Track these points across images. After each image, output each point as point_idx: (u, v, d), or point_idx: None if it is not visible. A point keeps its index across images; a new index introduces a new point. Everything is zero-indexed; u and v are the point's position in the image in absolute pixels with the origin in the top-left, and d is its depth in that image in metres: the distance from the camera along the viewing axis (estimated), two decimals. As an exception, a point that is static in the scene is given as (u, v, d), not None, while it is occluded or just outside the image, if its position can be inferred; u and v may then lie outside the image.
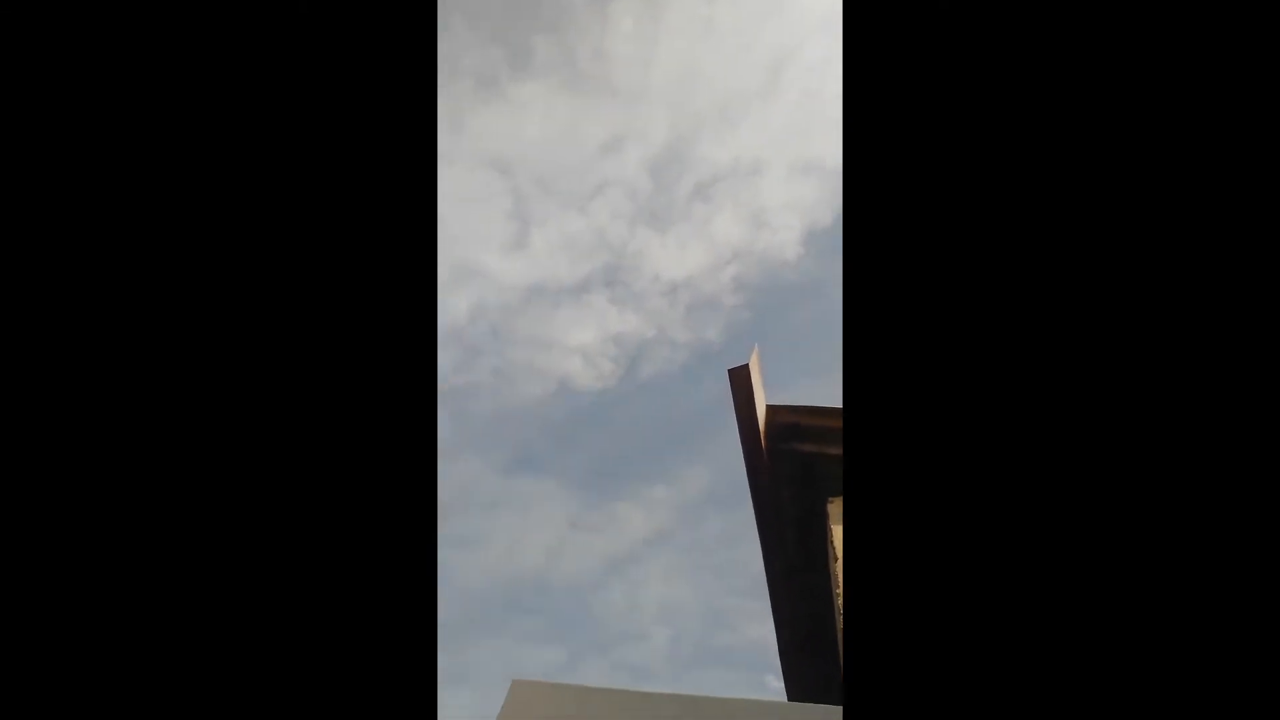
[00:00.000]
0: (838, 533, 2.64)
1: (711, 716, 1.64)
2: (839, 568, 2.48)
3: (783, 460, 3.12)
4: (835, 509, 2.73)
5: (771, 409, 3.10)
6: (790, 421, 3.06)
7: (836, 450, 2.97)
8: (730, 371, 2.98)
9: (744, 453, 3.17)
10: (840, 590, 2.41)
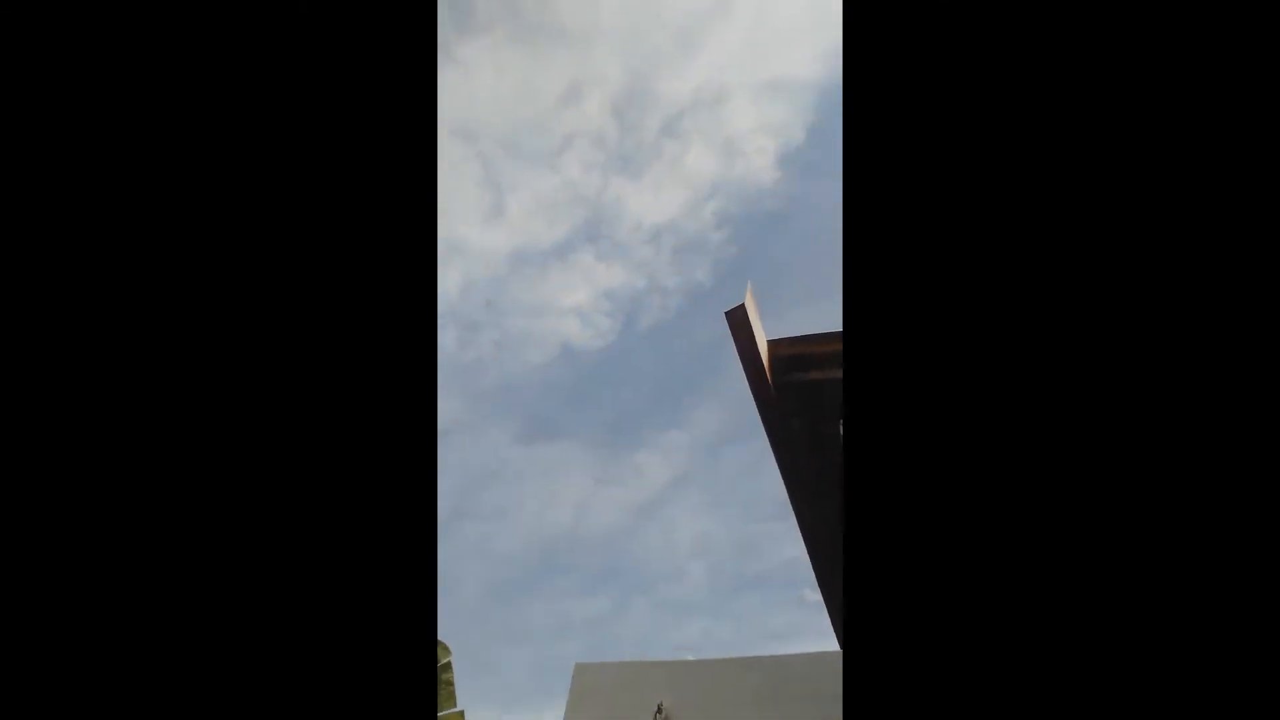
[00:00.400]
0: (857, 450, 2.70)
1: (767, 672, 1.89)
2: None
3: (790, 391, 3.17)
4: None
5: (773, 344, 3.13)
6: (793, 353, 3.10)
7: (840, 373, 3.02)
8: (728, 314, 2.99)
9: (752, 390, 3.21)
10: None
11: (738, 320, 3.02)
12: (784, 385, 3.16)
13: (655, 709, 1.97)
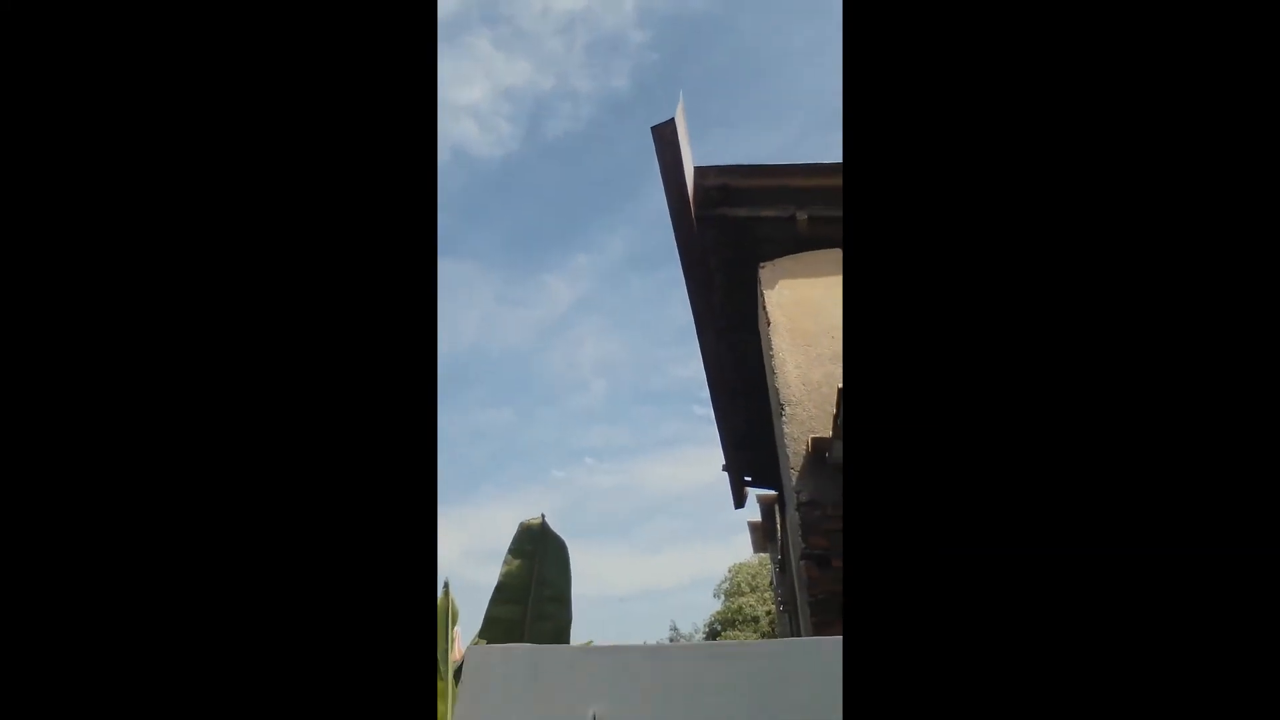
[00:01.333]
0: (769, 296, 2.62)
1: (692, 662, 1.47)
2: (771, 330, 2.53)
3: (712, 224, 2.95)
4: (766, 273, 2.68)
5: (700, 171, 2.81)
6: (720, 183, 2.81)
7: (768, 212, 2.81)
8: (654, 129, 2.59)
9: (672, 218, 2.96)
10: (773, 351, 2.49)
11: (665, 138, 2.64)
12: (706, 218, 2.92)
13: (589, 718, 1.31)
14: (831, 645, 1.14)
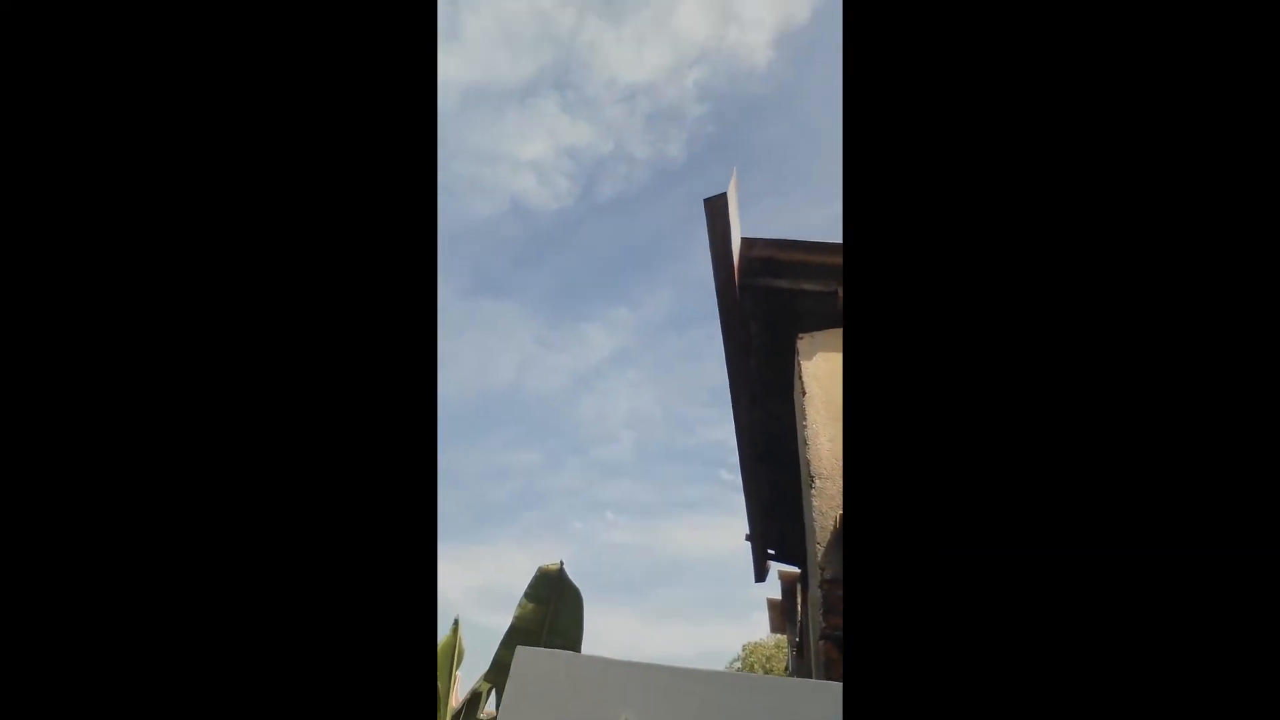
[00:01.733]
0: (806, 366, 2.68)
1: (752, 693, 1.57)
2: (805, 400, 2.57)
3: (755, 294, 3.06)
4: (804, 344, 2.74)
5: (746, 242, 2.95)
6: (765, 255, 2.94)
7: (810, 285, 2.91)
8: (707, 201, 2.76)
9: (716, 284, 3.08)
10: (806, 421, 2.52)
11: (716, 210, 2.80)
12: (749, 287, 3.04)
13: None
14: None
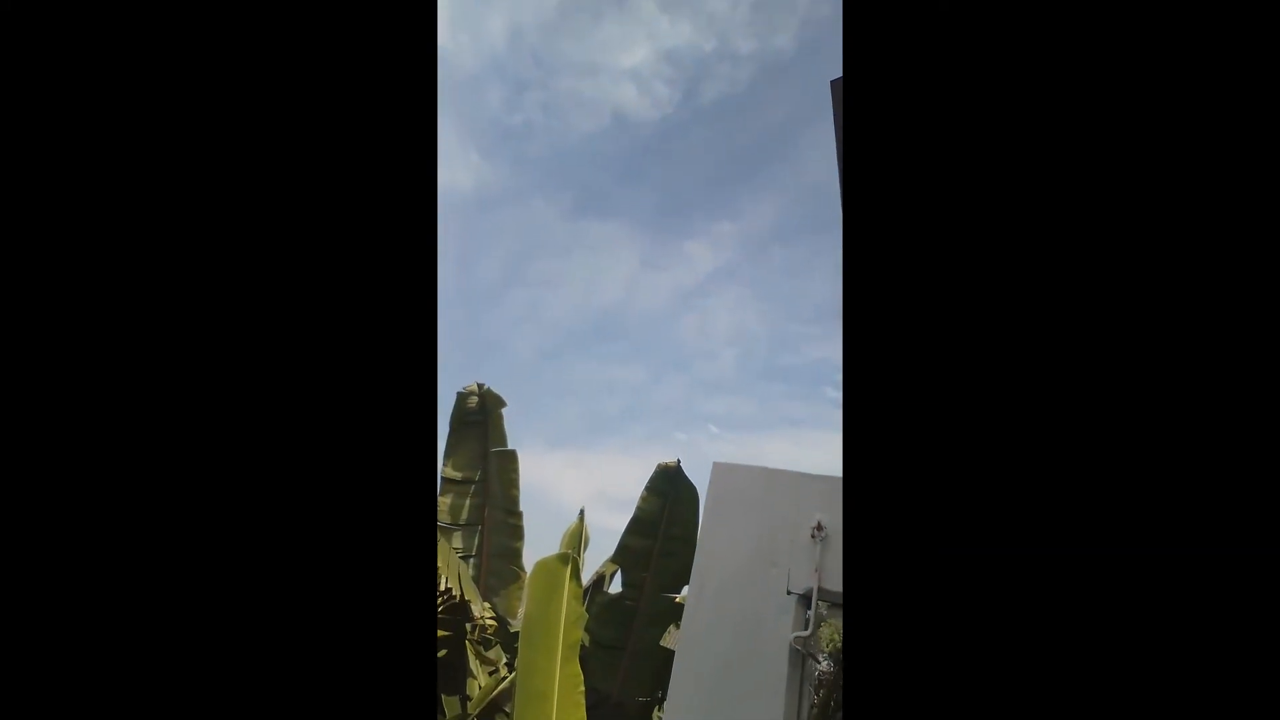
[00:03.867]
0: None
1: None
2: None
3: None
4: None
5: (877, 127, 2.72)
6: (899, 141, 2.70)
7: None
8: (834, 83, 2.54)
9: (841, 176, 2.90)
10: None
11: (841, 92, 2.58)
12: (877, 179, 2.83)
13: (815, 526, 1.77)
14: None
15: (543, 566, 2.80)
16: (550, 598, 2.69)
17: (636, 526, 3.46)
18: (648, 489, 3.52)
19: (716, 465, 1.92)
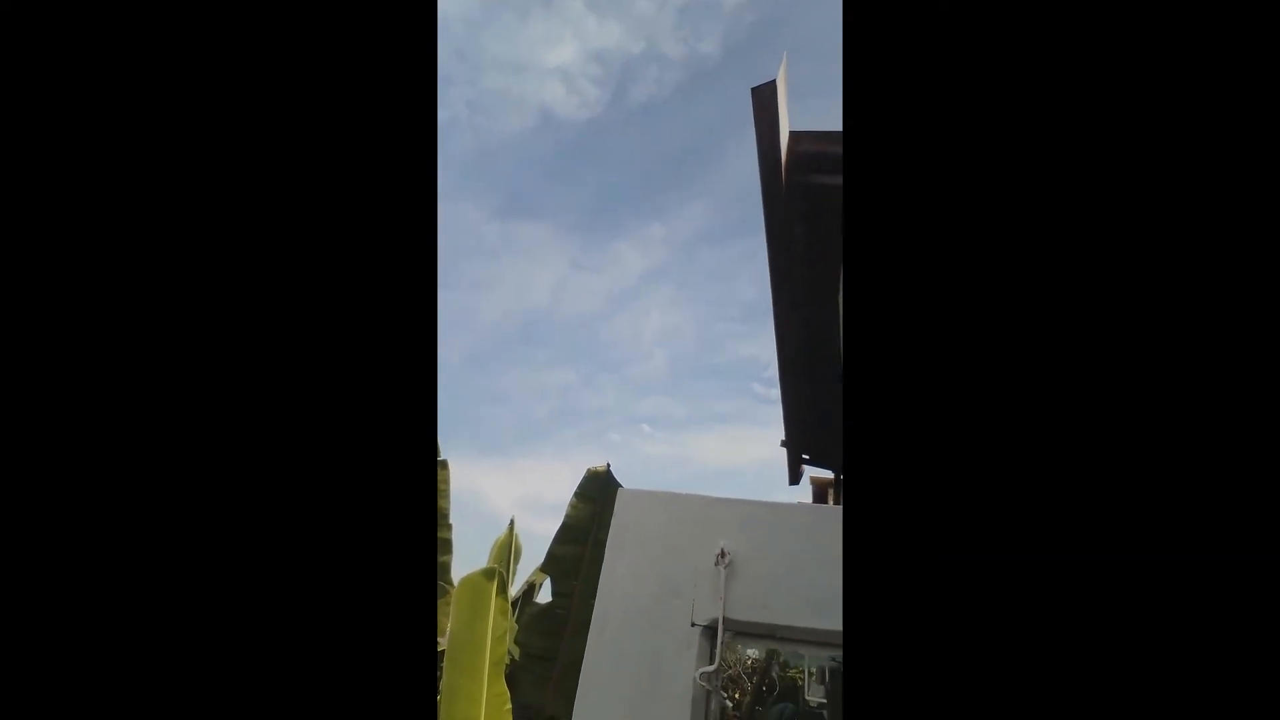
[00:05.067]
0: (854, 268, 2.60)
1: (809, 518, 1.63)
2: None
3: (801, 192, 2.93)
4: (854, 244, 2.64)
5: (795, 136, 2.78)
6: (815, 150, 2.78)
7: (862, 181, 2.76)
8: (754, 91, 2.58)
9: (763, 182, 2.95)
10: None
11: (764, 100, 2.62)
12: (796, 185, 2.90)
13: (718, 553, 1.66)
14: None
15: (468, 583, 2.69)
16: (476, 616, 2.59)
17: (566, 534, 3.40)
18: (576, 495, 3.47)
19: (622, 493, 1.84)
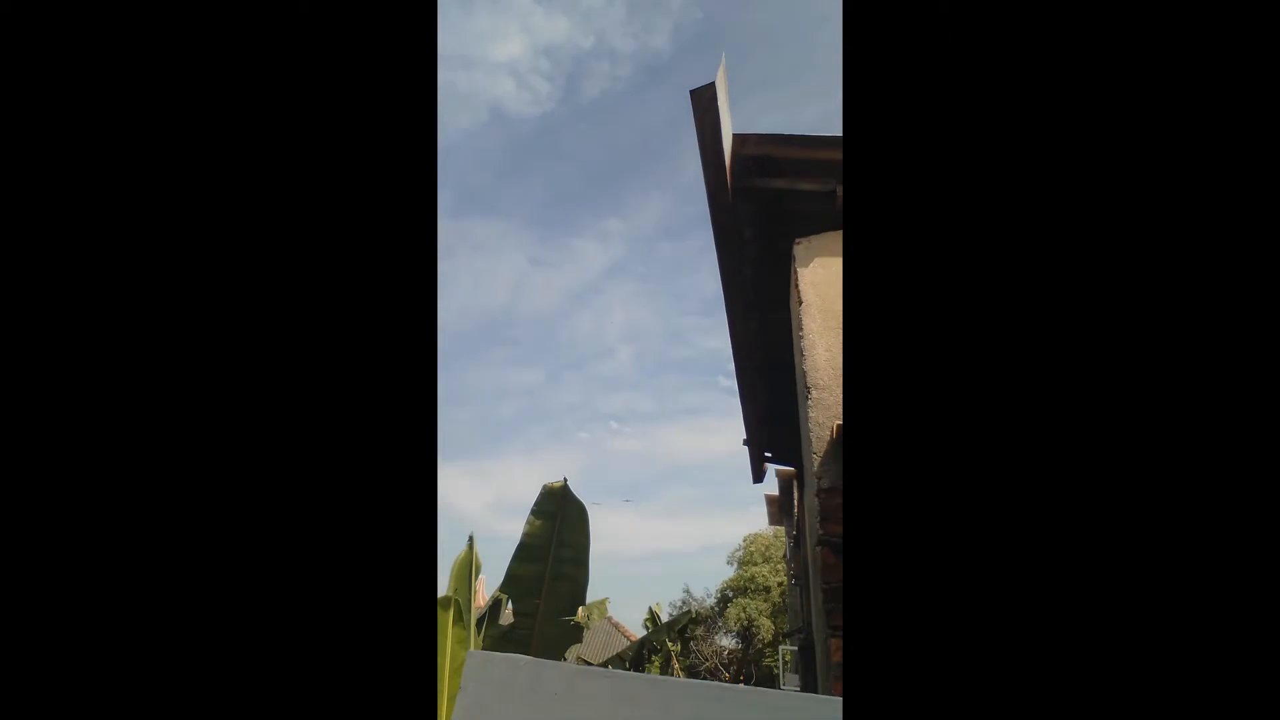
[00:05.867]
0: (803, 274, 2.56)
1: (675, 693, 1.39)
2: (802, 309, 2.48)
3: (748, 196, 2.88)
4: (801, 249, 2.61)
5: (739, 139, 2.72)
6: (759, 153, 2.72)
7: (807, 185, 2.72)
8: (693, 93, 2.51)
9: (707, 186, 2.89)
10: (803, 331, 2.44)
11: (704, 102, 2.55)
12: (742, 188, 2.84)
13: None
14: (833, 706, 1.12)
15: (418, 616, 2.57)
16: (427, 650, 2.48)
17: (524, 553, 3.32)
18: (533, 513, 3.38)
19: (470, 655, 1.60)
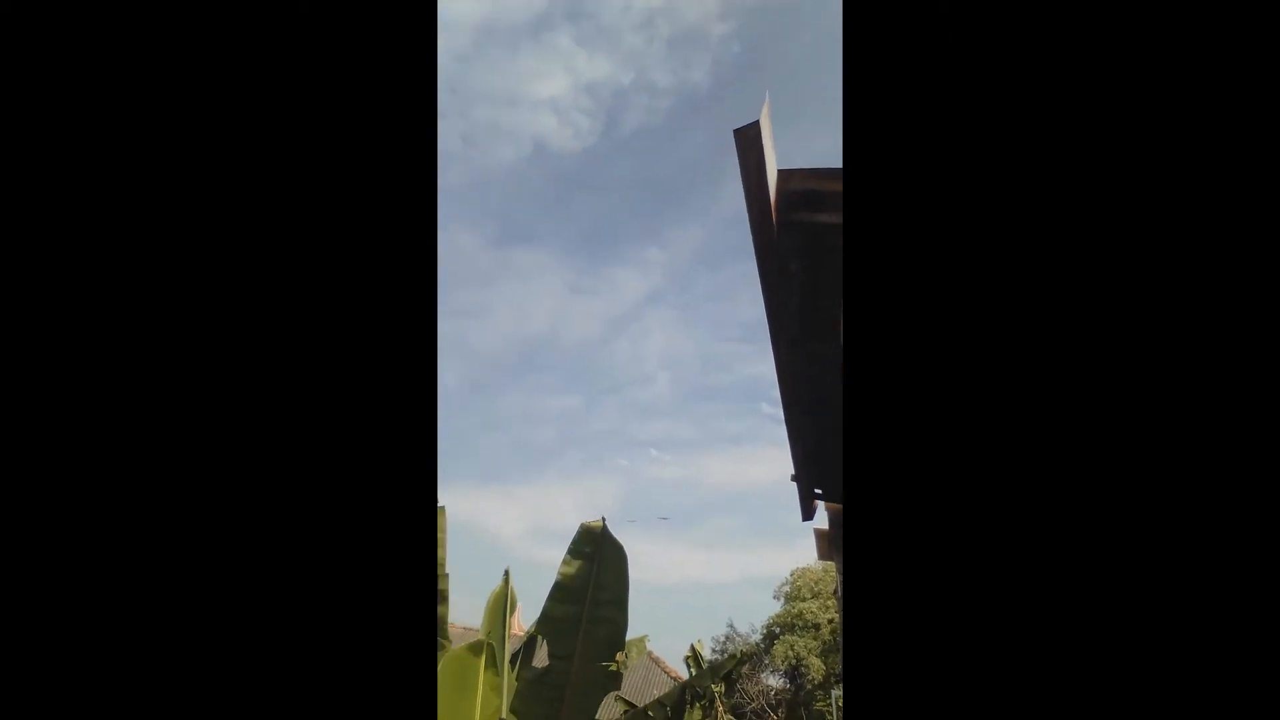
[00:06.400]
0: (851, 312, 2.44)
1: None
2: (850, 351, 2.36)
3: (794, 231, 2.79)
4: (850, 287, 2.49)
5: (784, 174, 2.65)
6: (805, 188, 2.64)
7: (856, 219, 2.62)
8: (737, 132, 2.46)
9: (751, 223, 2.82)
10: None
11: (748, 141, 2.50)
12: (788, 223, 2.76)
13: None
14: None
15: (453, 659, 2.55)
16: (462, 696, 2.45)
17: (560, 593, 3.25)
18: (570, 552, 3.32)
19: None
